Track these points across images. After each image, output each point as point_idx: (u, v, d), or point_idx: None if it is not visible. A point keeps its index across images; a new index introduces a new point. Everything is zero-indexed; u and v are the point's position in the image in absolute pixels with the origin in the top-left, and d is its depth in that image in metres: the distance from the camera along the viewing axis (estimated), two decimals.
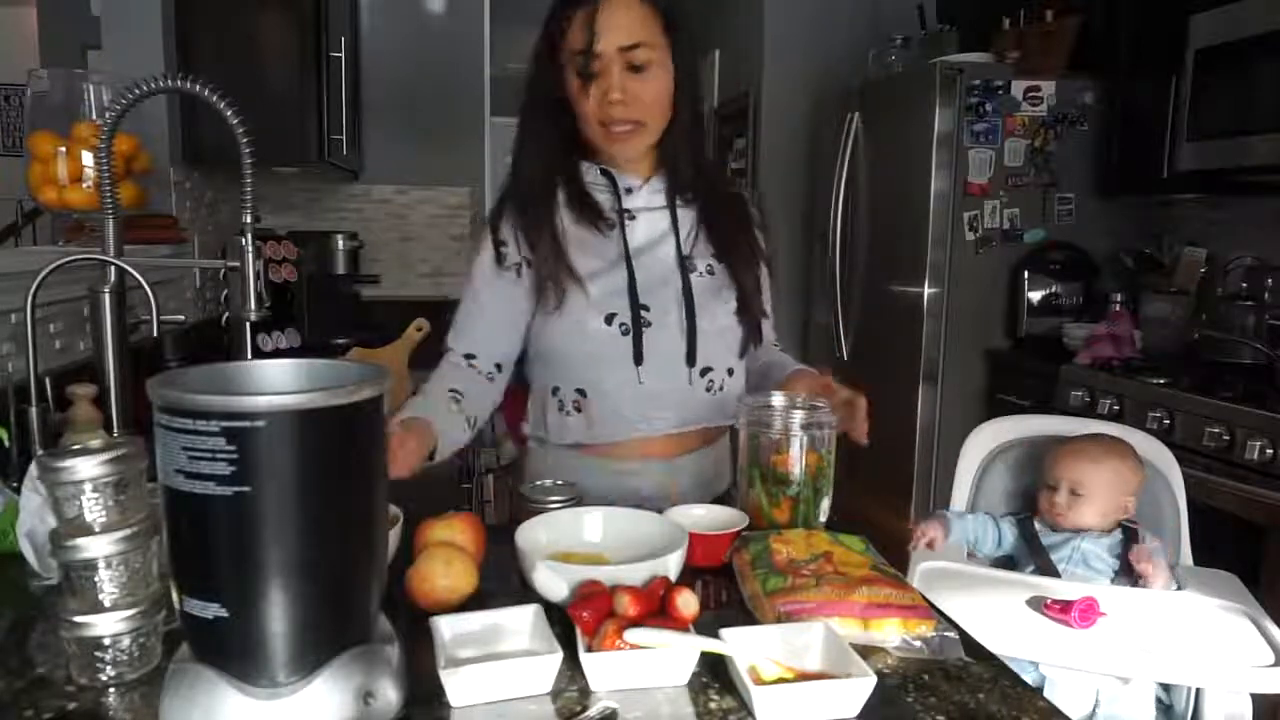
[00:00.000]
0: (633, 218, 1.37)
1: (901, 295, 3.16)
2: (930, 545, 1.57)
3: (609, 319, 1.32)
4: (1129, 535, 1.58)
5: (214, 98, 1.28)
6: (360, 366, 0.76)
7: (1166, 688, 1.46)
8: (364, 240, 3.61)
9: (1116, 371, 2.56)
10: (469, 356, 1.37)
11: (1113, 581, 1.52)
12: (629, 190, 1.37)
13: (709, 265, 1.38)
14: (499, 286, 1.36)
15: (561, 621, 0.87)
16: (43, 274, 1.32)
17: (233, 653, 0.69)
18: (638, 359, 1.32)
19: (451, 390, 1.30)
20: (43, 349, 1.49)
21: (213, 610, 0.67)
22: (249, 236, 1.38)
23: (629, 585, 0.87)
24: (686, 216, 1.39)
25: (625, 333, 1.32)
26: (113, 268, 1.40)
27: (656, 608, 0.86)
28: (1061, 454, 1.61)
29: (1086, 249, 3.07)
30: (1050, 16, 3.14)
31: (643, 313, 1.32)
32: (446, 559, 0.96)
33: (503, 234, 1.36)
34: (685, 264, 1.36)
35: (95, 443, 0.84)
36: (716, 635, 0.83)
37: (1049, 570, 1.54)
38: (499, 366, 1.39)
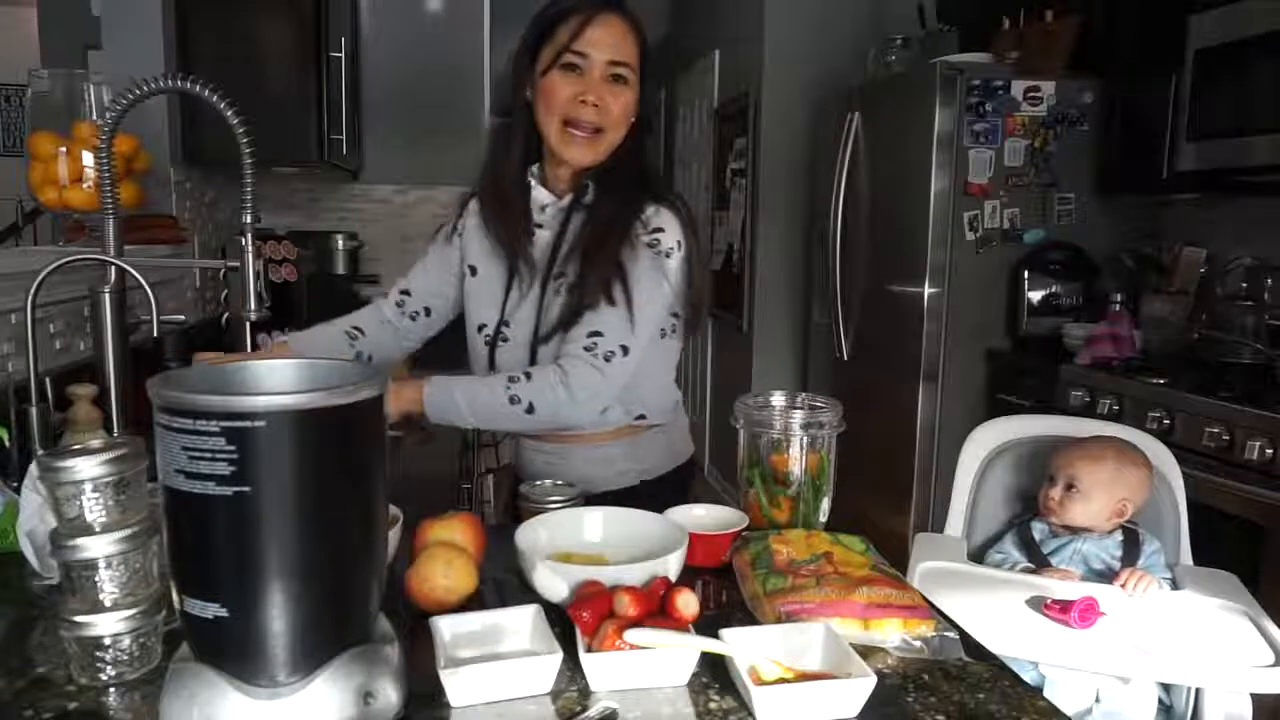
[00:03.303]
0: (536, 230, 1.40)
1: (901, 295, 3.16)
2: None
3: (480, 329, 1.43)
4: (1130, 538, 1.58)
5: (214, 98, 1.28)
6: (360, 367, 0.77)
7: (1166, 688, 1.46)
8: (364, 240, 3.61)
9: (1116, 371, 2.55)
10: (404, 292, 1.50)
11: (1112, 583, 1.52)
12: (543, 208, 1.40)
13: (570, 284, 1.33)
14: (446, 251, 1.49)
15: (561, 621, 0.87)
16: (43, 274, 1.32)
17: (233, 653, 0.69)
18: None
19: (354, 327, 1.47)
20: (43, 349, 1.49)
21: (213, 610, 0.67)
22: (249, 236, 1.39)
23: (629, 585, 0.87)
24: (571, 233, 1.36)
25: (488, 343, 1.42)
26: (113, 268, 1.40)
27: (656, 608, 0.86)
28: (1067, 449, 1.62)
29: (1086, 249, 3.06)
30: (1050, 16, 3.13)
31: (503, 328, 1.40)
32: (446, 559, 0.96)
33: (465, 220, 1.47)
34: (548, 285, 1.36)
35: (95, 443, 0.84)
36: (716, 635, 0.83)
37: None
38: (428, 310, 1.50)
